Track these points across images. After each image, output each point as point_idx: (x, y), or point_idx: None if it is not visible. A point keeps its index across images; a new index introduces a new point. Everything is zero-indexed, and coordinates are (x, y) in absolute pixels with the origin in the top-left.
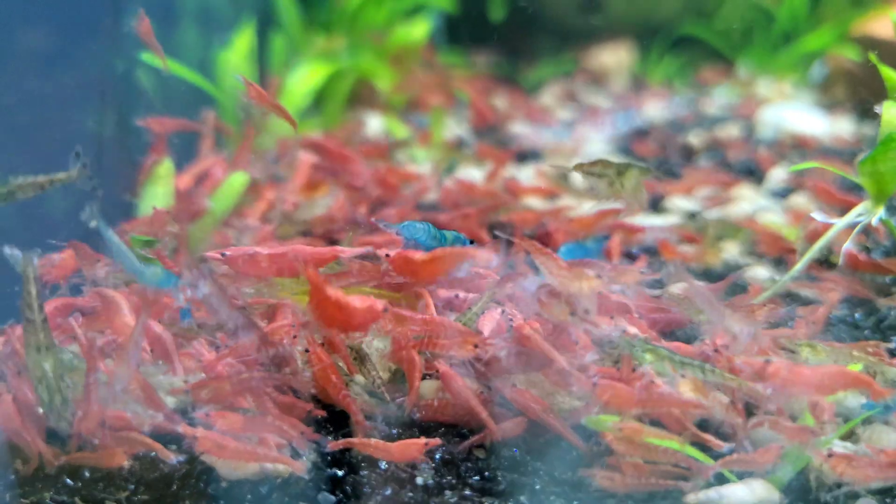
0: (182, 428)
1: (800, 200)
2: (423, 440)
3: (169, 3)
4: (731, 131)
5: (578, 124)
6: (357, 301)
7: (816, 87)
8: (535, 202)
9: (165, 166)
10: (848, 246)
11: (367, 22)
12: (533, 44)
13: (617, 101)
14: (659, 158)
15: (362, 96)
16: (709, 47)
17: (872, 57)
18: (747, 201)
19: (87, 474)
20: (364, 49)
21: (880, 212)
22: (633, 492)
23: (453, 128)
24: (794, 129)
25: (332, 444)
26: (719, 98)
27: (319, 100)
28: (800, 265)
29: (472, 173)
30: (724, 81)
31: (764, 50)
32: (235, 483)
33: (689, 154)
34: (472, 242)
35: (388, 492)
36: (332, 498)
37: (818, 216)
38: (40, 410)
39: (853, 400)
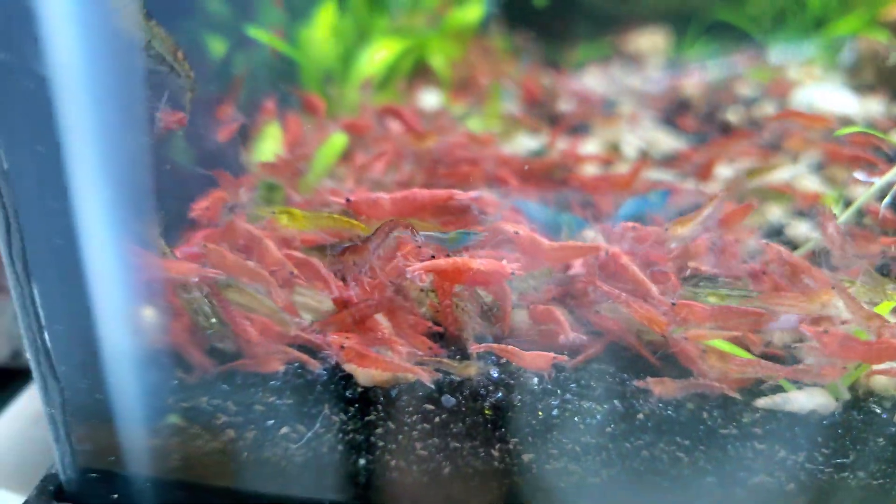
0: (329, 340)
1: (835, 171)
2: (552, 354)
3: None
4: (766, 109)
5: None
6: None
7: (846, 71)
8: (592, 169)
9: (274, 126)
10: (887, 202)
11: (425, 4)
12: (573, 29)
13: (654, 81)
14: (700, 133)
15: (418, 74)
16: (742, 32)
17: None
18: (786, 171)
19: (239, 381)
20: (423, 30)
21: None
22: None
23: (507, 105)
24: (827, 109)
25: (475, 347)
26: (752, 80)
27: (384, 76)
28: (846, 215)
29: (528, 142)
30: (756, 65)
31: (795, 34)
32: (370, 389)
33: (727, 130)
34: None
35: (500, 394)
36: (453, 399)
37: (860, 175)
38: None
39: None
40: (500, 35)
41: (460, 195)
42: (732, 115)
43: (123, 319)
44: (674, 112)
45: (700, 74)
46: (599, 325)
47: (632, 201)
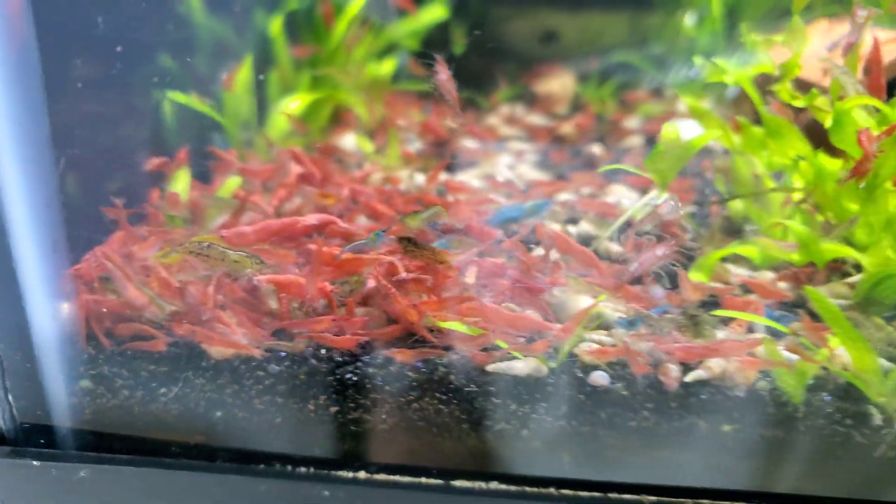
0: (186, 326)
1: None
2: (356, 337)
3: (191, 38)
4: (634, 141)
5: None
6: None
7: (730, 104)
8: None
9: (184, 172)
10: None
11: (345, 61)
12: (497, 71)
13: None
14: (567, 165)
15: (346, 119)
16: (644, 71)
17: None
18: (618, 196)
19: (130, 354)
20: (341, 82)
21: (665, 195)
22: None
23: (413, 143)
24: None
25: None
26: (638, 116)
27: (305, 123)
28: (609, 230)
29: (419, 177)
30: (649, 101)
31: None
32: (220, 361)
33: (593, 162)
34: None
35: (313, 364)
36: (278, 367)
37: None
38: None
39: (611, 313)
40: (417, 82)
41: (304, 220)
42: (597, 149)
43: (46, 308)
44: (551, 147)
45: (589, 112)
46: (395, 315)
47: (507, 208)
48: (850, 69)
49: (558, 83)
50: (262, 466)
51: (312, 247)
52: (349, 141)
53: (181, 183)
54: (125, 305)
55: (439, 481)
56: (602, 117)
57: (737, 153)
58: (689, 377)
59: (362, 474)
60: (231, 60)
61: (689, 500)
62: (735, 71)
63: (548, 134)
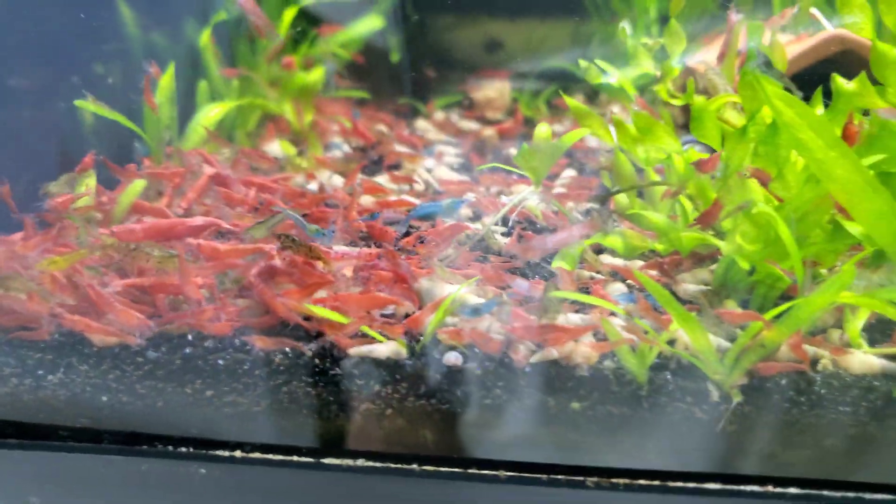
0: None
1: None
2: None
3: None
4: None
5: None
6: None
7: (661, 103)
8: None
9: (90, 177)
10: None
11: (275, 70)
12: (441, 78)
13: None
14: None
15: (275, 125)
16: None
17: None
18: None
19: (17, 343)
20: (269, 90)
21: (538, 190)
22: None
23: (341, 147)
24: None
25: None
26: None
27: (231, 129)
28: (490, 223)
29: (336, 179)
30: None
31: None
32: (102, 347)
33: (510, 164)
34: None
35: (188, 350)
36: (156, 353)
37: (505, 197)
38: None
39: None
40: (352, 90)
41: (189, 221)
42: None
43: None
44: (473, 150)
45: (518, 117)
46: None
47: (425, 205)
48: (728, 70)
49: (495, 89)
50: (144, 447)
51: (193, 242)
52: (275, 146)
53: (86, 187)
54: (9, 298)
55: (310, 459)
56: (531, 121)
57: (618, 150)
58: (537, 357)
59: (238, 453)
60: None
61: (545, 476)
62: (617, 74)
63: (473, 138)
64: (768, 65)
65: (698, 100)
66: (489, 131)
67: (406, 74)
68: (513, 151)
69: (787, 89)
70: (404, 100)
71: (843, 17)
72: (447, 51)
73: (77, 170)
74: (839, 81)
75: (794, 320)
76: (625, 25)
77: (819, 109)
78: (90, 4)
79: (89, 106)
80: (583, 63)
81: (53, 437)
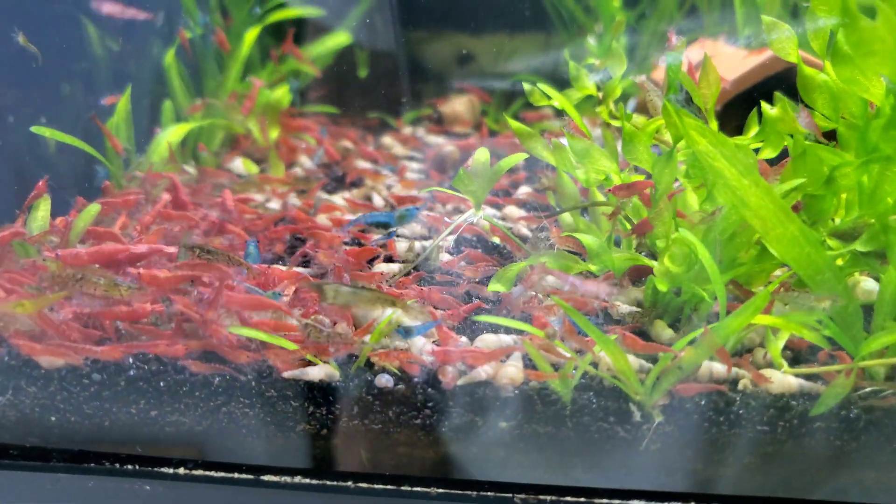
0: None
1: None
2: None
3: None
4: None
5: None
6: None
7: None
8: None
9: (45, 200)
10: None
11: (242, 89)
12: (410, 92)
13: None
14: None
15: (243, 143)
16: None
17: None
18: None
19: None
20: (234, 108)
21: (480, 213)
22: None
23: (306, 164)
24: None
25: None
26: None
27: (195, 148)
28: (428, 250)
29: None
30: (550, 119)
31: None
32: (50, 370)
33: None
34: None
35: (133, 373)
36: (99, 376)
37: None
38: None
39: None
40: (318, 106)
41: (133, 248)
42: None
43: None
44: (433, 166)
45: (483, 131)
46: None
47: (377, 213)
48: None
49: (463, 103)
50: (91, 465)
51: (134, 272)
52: (237, 164)
53: (41, 212)
54: None
55: (249, 476)
56: (496, 134)
57: (561, 170)
58: (464, 379)
59: (182, 470)
60: (122, 90)
61: (474, 493)
62: (557, 95)
63: (434, 153)
64: (688, 100)
65: (629, 126)
66: (450, 147)
67: (377, 88)
68: None
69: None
70: (374, 114)
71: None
72: (419, 64)
73: (29, 198)
74: (764, 106)
75: (710, 343)
76: (591, 40)
77: (752, 131)
78: (57, 23)
79: (45, 131)
80: (526, 86)
81: (4, 456)
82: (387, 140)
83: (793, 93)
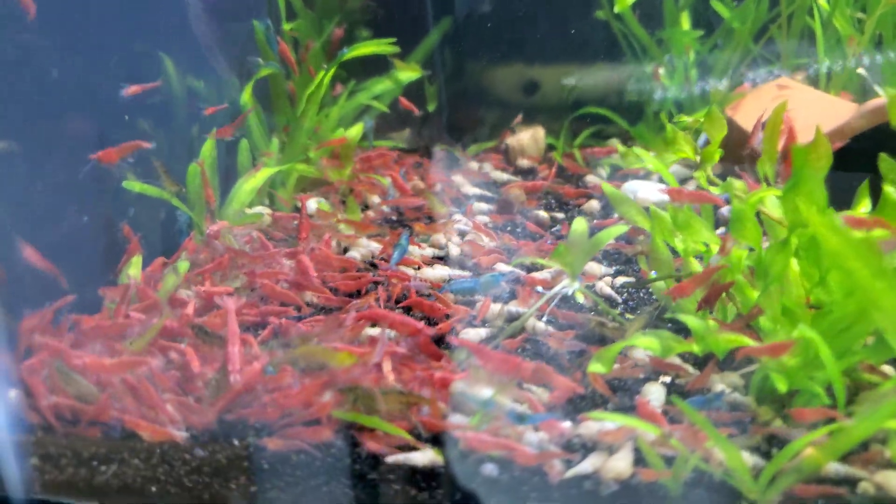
0: None
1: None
2: None
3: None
4: (593, 205)
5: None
6: None
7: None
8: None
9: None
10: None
11: (315, 127)
12: (480, 122)
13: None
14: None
15: (320, 183)
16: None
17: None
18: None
19: None
20: (309, 149)
21: (576, 284)
22: None
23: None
24: (644, 198)
25: None
26: (602, 172)
27: (272, 191)
28: (522, 319)
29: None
30: (613, 155)
31: (655, 125)
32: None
33: (539, 223)
34: None
35: None
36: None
37: (541, 288)
38: None
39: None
40: (388, 140)
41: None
42: (543, 214)
43: None
44: (500, 209)
45: (552, 171)
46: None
47: (461, 280)
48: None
49: (529, 135)
50: None
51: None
52: (312, 205)
53: (134, 270)
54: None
55: None
56: (564, 172)
57: (655, 235)
58: (573, 471)
59: None
60: (204, 127)
61: None
62: (652, 160)
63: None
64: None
65: (738, 204)
66: (516, 190)
67: (442, 121)
68: (542, 214)
69: None
70: (441, 147)
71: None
72: (484, 94)
73: (123, 260)
74: (887, 190)
75: (836, 445)
76: (661, 71)
77: (863, 205)
78: (134, 57)
79: (136, 186)
80: (621, 148)
81: None
82: (457, 178)
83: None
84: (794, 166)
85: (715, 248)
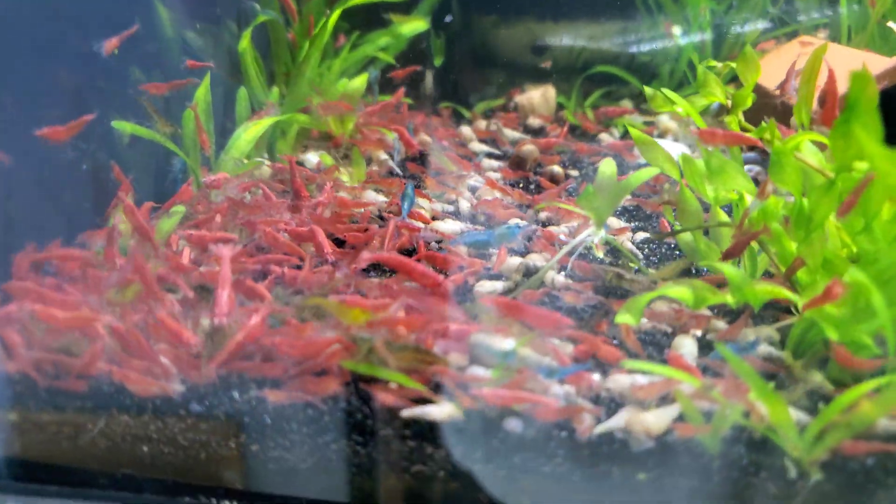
0: None
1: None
2: None
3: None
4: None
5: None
6: None
7: (714, 119)
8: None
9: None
10: (574, 257)
11: (318, 77)
12: (487, 80)
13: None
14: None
15: (323, 135)
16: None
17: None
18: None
19: None
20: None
21: (601, 232)
22: None
23: (383, 158)
24: None
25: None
26: (616, 133)
27: (272, 142)
28: (546, 268)
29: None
30: (629, 116)
31: (670, 85)
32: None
33: (554, 180)
34: None
35: None
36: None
37: (563, 237)
38: None
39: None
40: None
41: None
42: (557, 169)
43: None
44: (512, 164)
45: (563, 130)
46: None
47: (475, 233)
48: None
49: (539, 94)
50: (187, 499)
51: None
52: (312, 158)
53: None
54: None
55: None
56: (576, 129)
57: (684, 185)
58: (602, 427)
59: None
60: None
61: None
62: (683, 103)
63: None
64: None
65: (778, 144)
66: (530, 146)
67: (449, 77)
68: (556, 169)
69: None
70: (447, 104)
71: None
72: (492, 52)
73: (113, 202)
74: None
75: (890, 399)
76: (675, 29)
77: None
78: (125, 3)
79: (127, 127)
80: (648, 91)
81: (94, 485)
82: (465, 131)
83: None
84: (850, 95)
85: (748, 197)
